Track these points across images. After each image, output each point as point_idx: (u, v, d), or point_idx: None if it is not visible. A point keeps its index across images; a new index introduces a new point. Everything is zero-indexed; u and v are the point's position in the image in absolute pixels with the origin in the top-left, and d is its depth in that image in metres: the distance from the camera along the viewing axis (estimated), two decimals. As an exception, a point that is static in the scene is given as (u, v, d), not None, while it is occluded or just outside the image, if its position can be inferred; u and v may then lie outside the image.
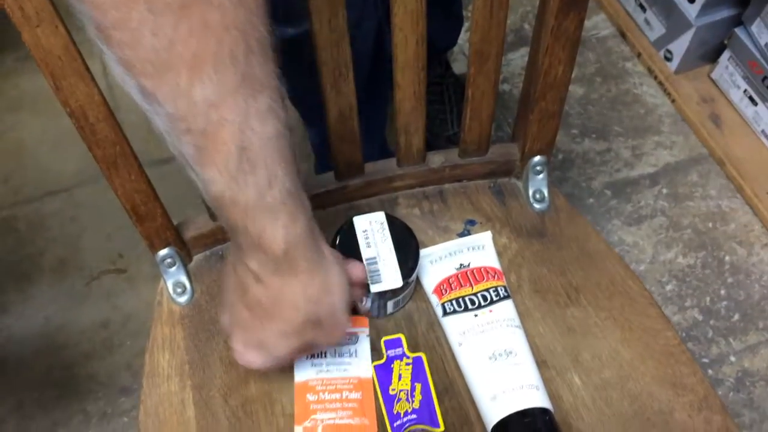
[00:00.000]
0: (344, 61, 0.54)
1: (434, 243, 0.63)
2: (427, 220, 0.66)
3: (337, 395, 0.56)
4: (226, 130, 0.36)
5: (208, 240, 0.63)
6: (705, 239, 1.21)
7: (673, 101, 1.35)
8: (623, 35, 1.44)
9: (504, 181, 0.68)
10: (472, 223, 0.66)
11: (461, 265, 0.60)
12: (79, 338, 1.10)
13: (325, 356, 0.57)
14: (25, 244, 1.20)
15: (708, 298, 1.15)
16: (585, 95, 1.37)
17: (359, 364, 0.57)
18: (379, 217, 0.59)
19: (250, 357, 0.48)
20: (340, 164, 0.63)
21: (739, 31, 1.25)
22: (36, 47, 0.44)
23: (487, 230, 0.64)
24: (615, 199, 1.25)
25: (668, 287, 1.16)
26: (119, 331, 1.11)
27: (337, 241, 0.58)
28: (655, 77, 1.38)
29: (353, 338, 0.59)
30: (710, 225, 1.22)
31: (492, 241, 0.63)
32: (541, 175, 0.66)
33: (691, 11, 1.27)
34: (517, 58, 1.40)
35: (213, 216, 0.61)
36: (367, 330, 0.59)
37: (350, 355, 0.58)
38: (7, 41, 1.44)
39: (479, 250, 0.62)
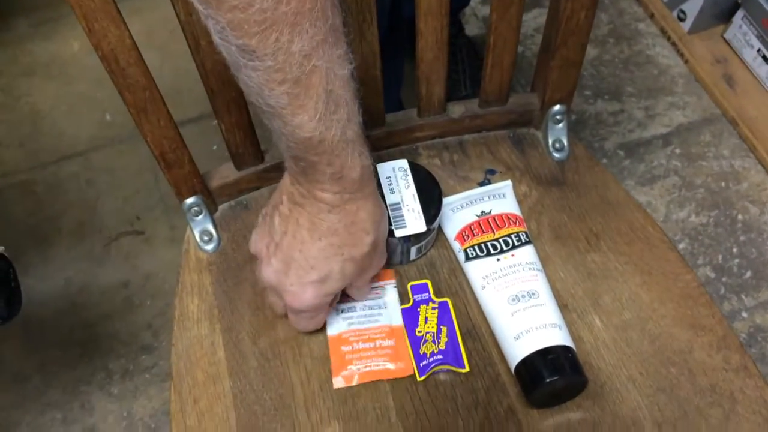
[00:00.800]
0: (368, 7, 0.54)
1: (455, 192, 0.63)
2: (447, 170, 0.66)
3: (371, 344, 0.57)
4: (316, 76, 0.40)
5: (232, 190, 0.64)
6: (718, 198, 1.21)
7: (686, 62, 1.35)
8: (636, -4, 1.43)
9: (523, 131, 0.69)
10: (492, 172, 0.66)
11: (483, 212, 0.61)
12: (100, 298, 1.12)
13: (356, 310, 0.58)
14: (44, 207, 1.21)
15: (720, 256, 1.16)
16: (598, 56, 1.36)
17: (389, 314, 0.58)
18: (403, 164, 0.60)
19: (308, 294, 0.50)
20: (362, 114, 0.64)
21: (753, -10, 1.24)
22: (69, -11, 0.44)
23: (507, 179, 0.64)
24: (628, 159, 1.25)
25: (681, 246, 1.16)
26: (139, 291, 1.12)
27: (361, 189, 0.59)
28: (668, 38, 1.37)
29: (381, 292, 0.60)
30: (723, 184, 1.22)
31: (512, 190, 0.63)
32: (560, 125, 0.66)
33: (706, -30, 1.26)
34: (530, 20, 1.40)
35: (238, 166, 0.62)
36: (394, 282, 0.60)
37: (380, 308, 0.59)
38: (20, 7, 1.44)
39: (500, 198, 0.62)
